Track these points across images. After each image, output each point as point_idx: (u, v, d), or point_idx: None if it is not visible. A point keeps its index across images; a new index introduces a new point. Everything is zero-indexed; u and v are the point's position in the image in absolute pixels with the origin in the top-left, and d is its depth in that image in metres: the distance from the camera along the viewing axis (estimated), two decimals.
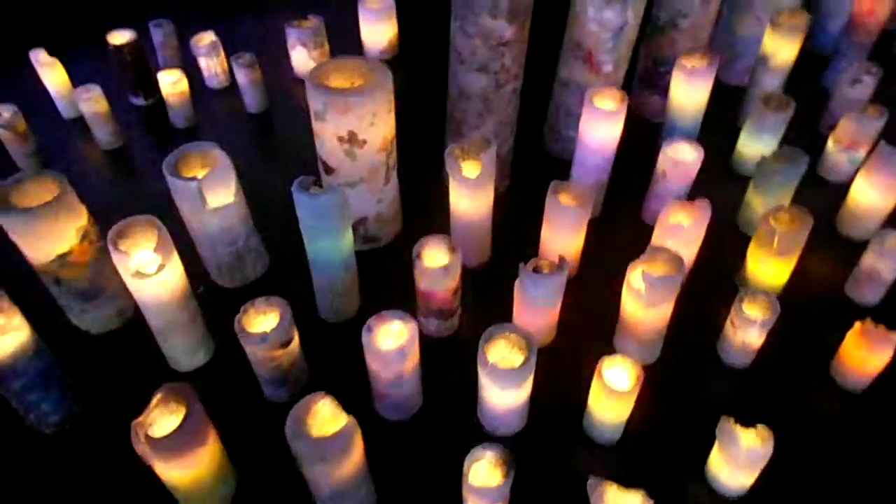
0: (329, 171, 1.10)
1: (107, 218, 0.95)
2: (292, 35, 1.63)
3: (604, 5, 1.16)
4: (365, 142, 1.04)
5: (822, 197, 1.34)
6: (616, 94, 1.13)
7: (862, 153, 1.31)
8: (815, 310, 1.12)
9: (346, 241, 0.99)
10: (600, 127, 1.12)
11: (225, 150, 1.03)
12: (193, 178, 0.98)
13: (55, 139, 1.50)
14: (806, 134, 1.49)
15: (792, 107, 1.28)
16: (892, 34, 1.75)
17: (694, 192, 1.19)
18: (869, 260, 1.08)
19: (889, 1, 1.46)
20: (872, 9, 1.47)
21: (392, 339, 0.87)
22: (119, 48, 1.48)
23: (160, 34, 1.63)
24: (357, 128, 1.01)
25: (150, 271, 0.86)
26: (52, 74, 1.47)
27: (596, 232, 1.22)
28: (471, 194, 1.06)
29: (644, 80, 1.51)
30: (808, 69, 1.69)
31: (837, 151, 1.34)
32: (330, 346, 1.06)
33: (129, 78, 1.54)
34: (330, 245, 0.98)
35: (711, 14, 1.37)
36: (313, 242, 0.98)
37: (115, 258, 0.85)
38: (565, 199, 1.06)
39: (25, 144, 1.37)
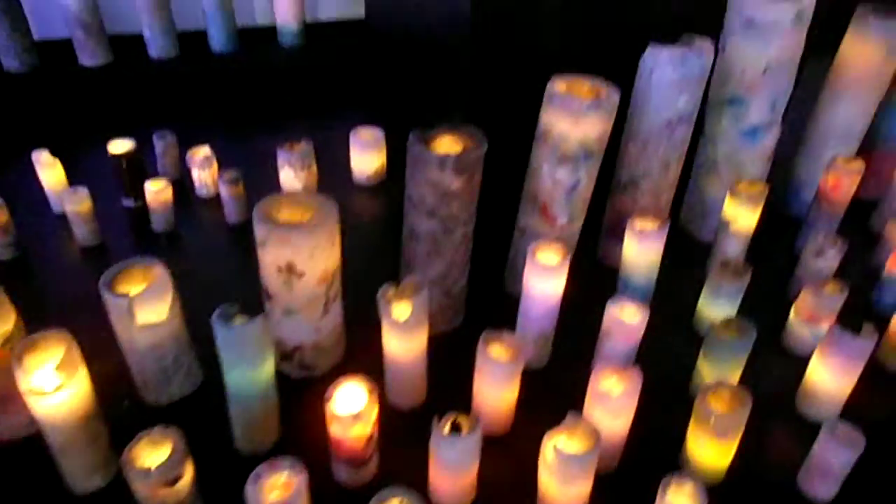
0: (269, 297, 1.11)
1: (68, 313, 0.96)
2: (281, 156, 1.73)
3: (557, 165, 1.21)
4: (303, 274, 1.05)
5: (784, 370, 1.29)
6: (559, 249, 1.14)
7: (824, 327, 1.28)
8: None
9: (264, 372, 0.97)
10: (543, 280, 1.12)
11: (200, 256, 1.05)
12: (125, 295, 0.99)
13: (39, 232, 1.57)
14: (773, 300, 1.47)
15: (748, 275, 1.27)
16: (869, 204, 1.77)
17: (650, 350, 1.16)
18: (820, 450, 1.01)
19: (855, 175, 1.49)
20: (837, 183, 1.50)
21: (278, 491, 0.82)
22: (117, 156, 1.59)
23: (162, 144, 1.75)
24: (295, 260, 1.03)
25: (48, 389, 0.84)
26: (49, 173, 1.57)
27: (538, 385, 1.18)
28: (401, 336, 1.05)
29: (610, 231, 1.53)
30: (782, 233, 1.71)
31: (799, 324, 1.31)
32: (236, 483, 1.00)
33: (123, 182, 1.63)
34: (245, 375, 0.96)
35: (671, 177, 1.42)
36: (229, 371, 0.96)
37: (16, 372, 0.84)
38: (497, 350, 1.04)
39: (4, 236, 1.44)
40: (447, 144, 1.15)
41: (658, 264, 1.29)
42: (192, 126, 2.05)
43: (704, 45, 1.28)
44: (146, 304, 1.01)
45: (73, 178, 1.62)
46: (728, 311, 1.29)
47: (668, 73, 1.25)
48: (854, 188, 1.50)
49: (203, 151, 1.71)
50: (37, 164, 1.56)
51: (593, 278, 1.46)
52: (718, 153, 1.54)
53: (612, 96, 1.18)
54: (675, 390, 1.22)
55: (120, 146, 1.59)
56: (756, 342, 1.12)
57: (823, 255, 1.39)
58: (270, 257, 1.04)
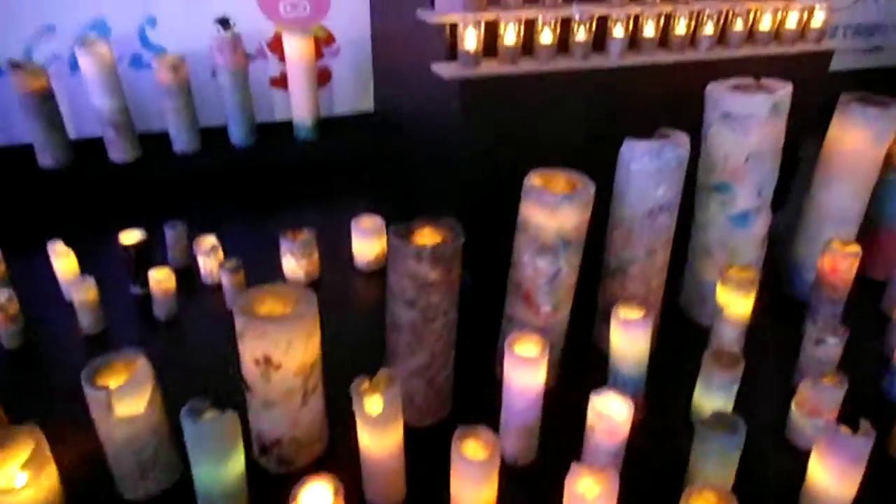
0: (248, 389, 1.12)
1: (64, 403, 1.00)
2: (284, 245, 1.79)
3: (537, 255, 1.23)
4: (280, 366, 1.06)
5: (788, 465, 1.21)
6: (538, 340, 1.13)
7: (826, 421, 1.21)
8: None
9: (232, 470, 0.97)
10: (522, 372, 1.10)
11: (198, 344, 1.08)
12: (104, 388, 1.02)
13: (48, 320, 1.64)
14: (777, 390, 1.40)
15: (741, 365, 1.23)
16: (880, 285, 1.72)
17: (645, 444, 1.12)
18: None
19: (852, 259, 1.46)
20: (835, 267, 1.47)
21: None
22: (126, 246, 1.67)
23: (172, 234, 1.84)
24: (272, 352, 1.05)
25: (15, 487, 0.85)
26: (63, 262, 1.66)
27: (523, 482, 1.14)
28: (374, 431, 1.03)
29: (603, 316, 1.51)
30: (788, 316, 1.66)
31: (801, 417, 1.24)
32: None
33: (131, 271, 1.71)
34: (213, 471, 0.95)
35: (659, 263, 1.41)
36: (196, 467, 0.96)
37: None
38: (472, 448, 1.01)
39: (12, 325, 1.50)
40: (427, 236, 1.19)
41: (647, 354, 1.26)
42: (207, 214, 2.16)
43: (680, 138, 1.31)
44: (125, 397, 1.03)
45: (90, 267, 1.70)
46: (723, 402, 1.24)
47: (646, 165, 1.28)
48: (853, 272, 1.47)
49: (210, 241, 1.79)
50: (51, 253, 1.65)
51: (587, 366, 1.44)
52: (710, 238, 1.53)
53: (587, 189, 1.21)
54: (670, 488, 1.16)
55: (130, 237, 1.68)
56: (759, 435, 1.07)
57: (824, 343, 1.34)
58: (248, 350, 1.06)
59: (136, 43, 2.35)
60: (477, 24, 1.49)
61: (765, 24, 1.80)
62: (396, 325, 1.21)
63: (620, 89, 1.67)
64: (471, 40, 1.50)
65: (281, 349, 1.05)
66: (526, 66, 1.58)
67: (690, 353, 1.49)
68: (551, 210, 1.18)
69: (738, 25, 1.77)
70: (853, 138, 1.51)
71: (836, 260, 1.46)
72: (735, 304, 1.35)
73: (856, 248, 1.46)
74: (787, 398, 1.31)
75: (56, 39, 2.24)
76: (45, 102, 2.10)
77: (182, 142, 2.35)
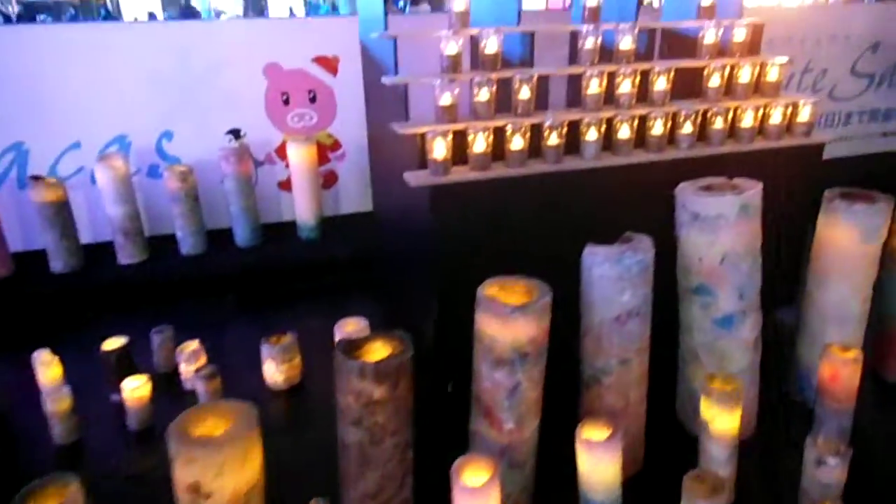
0: None
1: None
2: (265, 350, 1.78)
3: (493, 368, 1.17)
4: (209, 495, 1.01)
5: None
6: (487, 466, 1.05)
7: None
8: None
9: None
10: None
11: (166, 456, 1.03)
12: None
13: (24, 430, 1.64)
14: None
15: (725, 493, 1.10)
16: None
17: None
18: None
19: (853, 365, 1.33)
20: (836, 374, 1.34)
21: None
22: (107, 352, 1.69)
23: (159, 339, 1.86)
24: (201, 479, 1.00)
25: None
26: (46, 371, 1.68)
27: None
28: None
29: None
30: (799, 419, 1.52)
31: None
32: None
33: (110, 378, 1.71)
34: None
35: (635, 373, 1.32)
36: None
37: None
38: None
39: None
40: (376, 350, 1.15)
41: (617, 477, 1.15)
42: (205, 315, 2.19)
43: (643, 242, 1.27)
44: None
45: (79, 372, 1.71)
46: None
47: (607, 271, 1.23)
48: (856, 379, 1.34)
49: (191, 346, 1.80)
50: (36, 362, 1.68)
51: (562, 490, 1.32)
52: (696, 342, 1.44)
53: (544, 298, 1.16)
54: None
55: (112, 343, 1.71)
56: None
57: (825, 464, 1.19)
58: (179, 476, 1.02)
59: (153, 155, 2.53)
60: (445, 135, 1.53)
61: (746, 122, 1.79)
62: (344, 446, 1.15)
63: (596, 190, 1.65)
64: (439, 149, 1.53)
65: (211, 475, 1.00)
66: (497, 171, 1.59)
67: (685, 469, 1.36)
68: (504, 321, 1.13)
69: (718, 123, 1.76)
70: (841, 236, 1.44)
71: (836, 366, 1.34)
72: (720, 419, 1.24)
73: (855, 353, 1.34)
74: None
75: (81, 153, 2.43)
76: (60, 212, 2.24)
77: (188, 244, 2.44)
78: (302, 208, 2.58)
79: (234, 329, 2.19)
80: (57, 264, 2.28)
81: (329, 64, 2.62)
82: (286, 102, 2.63)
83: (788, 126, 1.85)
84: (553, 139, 1.62)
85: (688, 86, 1.84)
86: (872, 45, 3.26)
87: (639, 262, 1.23)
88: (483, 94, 1.62)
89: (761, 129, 1.84)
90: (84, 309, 2.26)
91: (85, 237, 2.40)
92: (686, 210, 1.35)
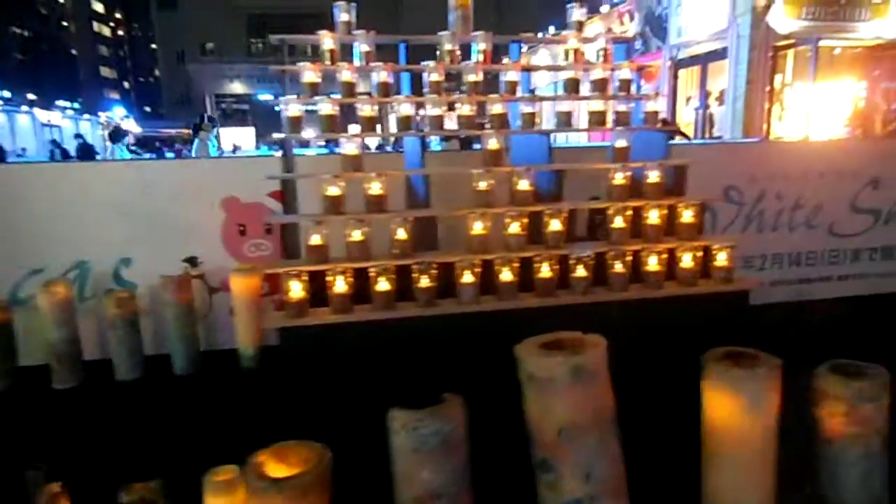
0: None
1: None
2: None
3: None
4: None
5: None
6: None
7: None
8: None
9: None
10: None
11: None
12: None
13: None
14: None
15: None
16: None
17: None
18: None
19: None
20: None
21: None
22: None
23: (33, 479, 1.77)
24: None
25: None
26: None
27: None
28: None
29: None
30: None
31: None
32: None
33: None
34: None
35: None
36: None
37: None
38: None
39: None
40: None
41: None
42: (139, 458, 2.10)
43: (451, 408, 1.11)
44: None
45: None
46: None
47: (405, 442, 1.07)
48: None
49: (54, 488, 1.69)
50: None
51: None
52: None
53: (322, 461, 1.01)
54: None
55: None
56: None
57: None
58: None
59: (110, 280, 2.63)
60: (299, 276, 1.48)
61: (651, 264, 1.64)
62: None
63: (473, 336, 1.52)
64: (295, 290, 1.48)
65: None
66: (360, 314, 1.51)
67: None
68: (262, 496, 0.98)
69: (619, 268, 1.63)
70: (725, 408, 1.21)
71: None
72: None
73: None
74: None
75: (43, 278, 2.55)
76: (2, 332, 2.32)
77: (123, 370, 2.43)
78: (242, 336, 2.56)
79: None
80: None
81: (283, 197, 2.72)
82: (242, 233, 2.72)
83: (706, 272, 1.69)
84: (425, 282, 1.54)
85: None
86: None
87: (437, 433, 1.06)
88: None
89: (674, 274, 1.68)
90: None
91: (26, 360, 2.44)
92: (523, 369, 1.20)
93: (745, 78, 6.82)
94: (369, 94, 1.81)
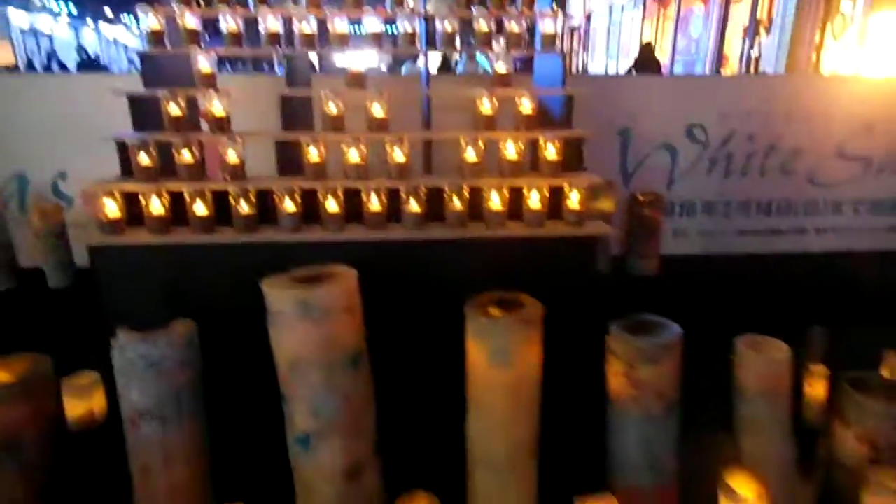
0: None
1: None
2: None
3: None
4: None
5: None
6: None
7: None
8: None
9: None
10: None
11: None
12: None
13: None
14: None
15: None
16: None
17: None
18: None
19: None
20: None
21: None
22: None
23: None
24: None
25: None
26: None
27: None
28: None
29: None
30: None
31: None
32: None
33: None
34: None
35: (162, 488, 1.12)
36: None
37: None
38: None
39: None
40: None
41: None
42: None
43: (177, 329, 1.09)
44: None
45: None
46: None
47: (117, 362, 1.07)
48: None
49: None
50: None
51: None
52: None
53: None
54: None
55: None
56: None
57: None
58: None
59: (49, 193, 2.73)
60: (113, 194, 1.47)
61: (494, 203, 1.53)
62: None
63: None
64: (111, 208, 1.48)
65: None
66: (178, 237, 1.50)
67: None
68: None
69: (456, 204, 1.53)
70: (473, 354, 1.14)
71: None
72: None
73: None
74: None
75: None
76: None
77: (54, 279, 2.56)
78: None
79: None
80: None
81: None
82: None
83: (557, 213, 1.55)
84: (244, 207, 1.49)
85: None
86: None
87: (141, 355, 1.06)
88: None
89: (520, 214, 1.56)
90: None
91: None
92: (267, 303, 1.16)
93: (795, 4, 6.07)
94: None
